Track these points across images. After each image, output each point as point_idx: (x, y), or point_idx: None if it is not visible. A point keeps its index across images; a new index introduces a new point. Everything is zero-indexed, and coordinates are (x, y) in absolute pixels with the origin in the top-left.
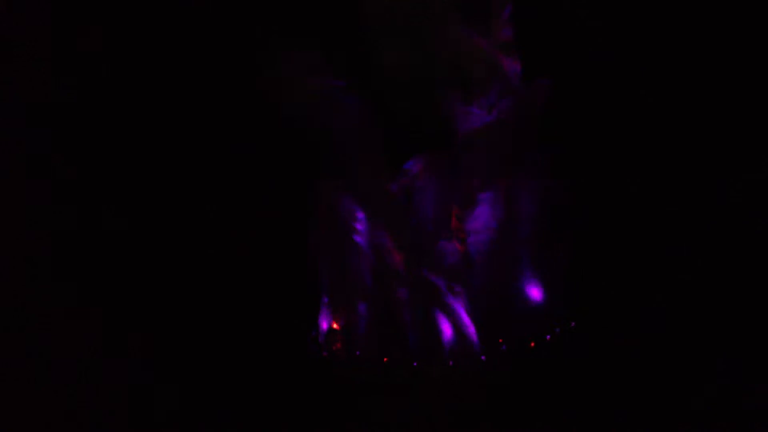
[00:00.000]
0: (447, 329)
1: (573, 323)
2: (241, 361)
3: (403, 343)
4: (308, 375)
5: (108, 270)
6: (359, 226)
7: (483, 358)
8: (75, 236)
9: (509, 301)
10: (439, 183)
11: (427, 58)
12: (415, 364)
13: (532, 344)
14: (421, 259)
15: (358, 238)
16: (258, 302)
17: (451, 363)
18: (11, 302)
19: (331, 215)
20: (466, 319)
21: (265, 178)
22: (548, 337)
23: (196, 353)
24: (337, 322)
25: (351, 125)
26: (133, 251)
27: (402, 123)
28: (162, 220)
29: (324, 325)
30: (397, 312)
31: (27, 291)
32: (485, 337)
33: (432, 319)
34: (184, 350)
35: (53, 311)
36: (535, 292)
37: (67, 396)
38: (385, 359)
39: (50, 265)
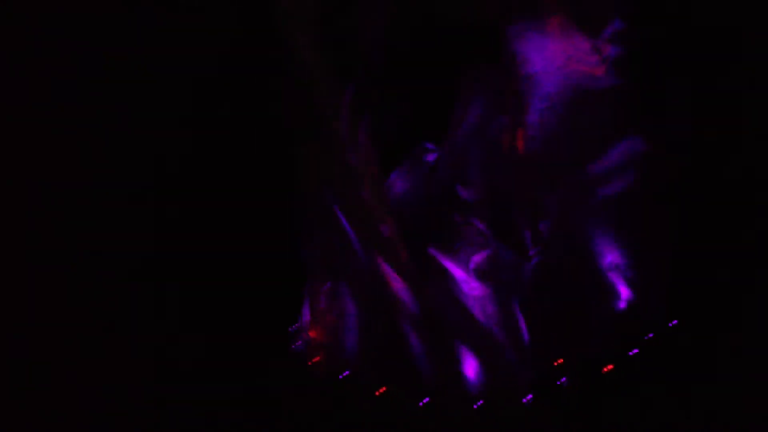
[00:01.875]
0: (473, 348)
1: (673, 321)
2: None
3: (409, 367)
4: (287, 382)
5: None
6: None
7: (530, 395)
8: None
9: (580, 301)
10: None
11: None
12: (426, 399)
13: (610, 367)
14: (431, 229)
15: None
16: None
17: (480, 401)
18: None
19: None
20: (505, 332)
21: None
22: (635, 350)
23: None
24: (315, 324)
25: None
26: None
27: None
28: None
29: (306, 316)
30: (396, 317)
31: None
32: (535, 359)
33: (452, 330)
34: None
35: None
36: (622, 288)
37: (65, 396)
38: (382, 388)
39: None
